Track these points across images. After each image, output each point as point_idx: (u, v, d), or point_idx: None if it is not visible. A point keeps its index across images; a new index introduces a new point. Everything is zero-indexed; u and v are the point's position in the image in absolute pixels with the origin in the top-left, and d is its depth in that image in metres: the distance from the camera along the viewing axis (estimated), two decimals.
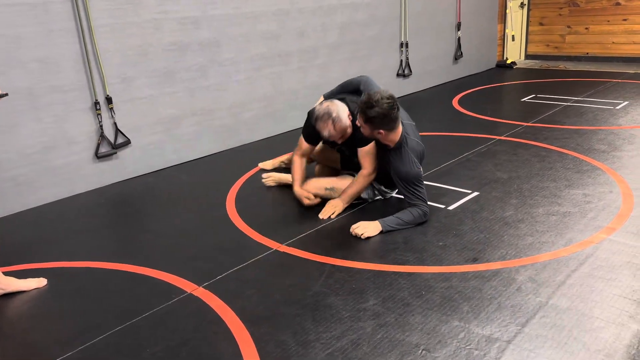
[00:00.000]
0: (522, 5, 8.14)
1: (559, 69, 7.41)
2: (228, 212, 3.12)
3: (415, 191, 2.79)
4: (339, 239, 2.73)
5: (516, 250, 2.48)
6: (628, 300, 2.04)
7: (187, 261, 2.58)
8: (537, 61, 8.20)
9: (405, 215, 2.78)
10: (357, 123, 2.78)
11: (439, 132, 4.55)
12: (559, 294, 2.11)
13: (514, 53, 8.28)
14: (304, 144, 3.13)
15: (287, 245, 2.67)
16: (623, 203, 2.89)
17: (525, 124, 4.60)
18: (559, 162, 3.59)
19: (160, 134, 4.03)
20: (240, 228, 2.91)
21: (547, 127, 4.44)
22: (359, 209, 3.07)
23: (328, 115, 2.87)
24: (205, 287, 2.33)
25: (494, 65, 7.83)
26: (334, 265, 2.44)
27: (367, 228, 2.72)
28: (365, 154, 2.94)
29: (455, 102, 5.62)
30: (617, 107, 4.95)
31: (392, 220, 2.77)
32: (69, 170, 3.57)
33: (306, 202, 3.07)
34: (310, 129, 3.04)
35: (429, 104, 5.86)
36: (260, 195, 3.40)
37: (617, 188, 3.09)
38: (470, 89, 6.34)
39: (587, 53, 7.93)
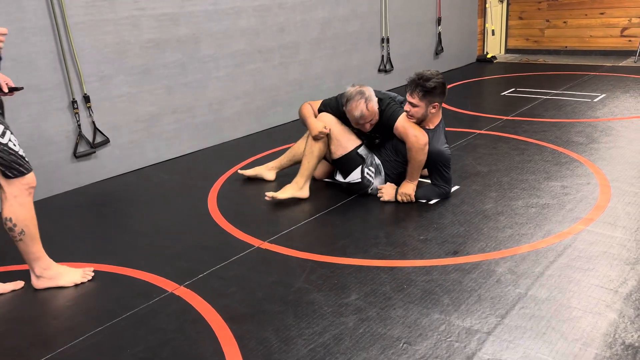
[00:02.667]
0: None
1: (538, 62, 7.49)
2: (210, 210, 3.10)
3: (442, 172, 2.97)
4: (321, 235, 2.73)
5: (496, 242, 2.51)
6: (605, 290, 2.08)
7: (169, 260, 2.56)
8: (517, 55, 8.29)
9: (430, 191, 3.02)
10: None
11: None
12: (538, 284, 2.14)
13: (494, 47, 8.36)
14: (315, 110, 3.22)
15: (270, 242, 2.66)
16: (600, 194, 2.94)
17: (505, 117, 4.64)
18: (538, 155, 3.64)
19: (140, 132, 3.99)
20: (222, 226, 2.89)
21: (526, 121, 4.49)
22: (341, 205, 3.07)
23: (361, 94, 2.96)
24: (186, 286, 2.31)
25: (474, 60, 7.89)
26: (316, 262, 2.44)
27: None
28: (406, 125, 2.93)
29: None
30: (595, 100, 5.02)
31: (421, 190, 3.03)
32: (46, 170, 3.51)
33: (323, 131, 3.04)
34: (335, 109, 3.13)
35: None
36: (242, 193, 3.38)
37: (595, 179, 3.14)
38: (451, 83, 6.38)
39: (566, 47, 8.03)
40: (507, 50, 8.56)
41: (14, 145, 2.16)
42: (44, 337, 2.05)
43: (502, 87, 5.96)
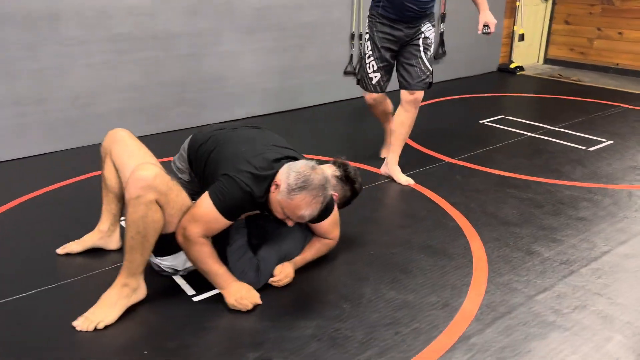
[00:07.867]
0: None
1: (569, 81, 5.98)
2: None
3: None
4: None
5: None
6: None
7: None
8: (554, 67, 6.75)
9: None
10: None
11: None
12: None
13: (527, 55, 6.86)
14: (222, 222, 1.92)
15: None
16: None
17: (449, 159, 3.44)
18: (433, 239, 2.49)
19: None
20: None
21: (468, 168, 3.28)
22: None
23: (324, 189, 1.87)
24: None
25: (495, 69, 6.48)
26: None
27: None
28: (335, 223, 2.22)
29: None
30: (591, 149, 3.66)
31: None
32: None
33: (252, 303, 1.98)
34: (246, 203, 1.92)
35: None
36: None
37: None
38: (444, 96, 5.13)
39: (617, 64, 6.40)
40: (547, 60, 7.02)
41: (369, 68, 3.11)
42: None
43: (491, 112, 4.64)
